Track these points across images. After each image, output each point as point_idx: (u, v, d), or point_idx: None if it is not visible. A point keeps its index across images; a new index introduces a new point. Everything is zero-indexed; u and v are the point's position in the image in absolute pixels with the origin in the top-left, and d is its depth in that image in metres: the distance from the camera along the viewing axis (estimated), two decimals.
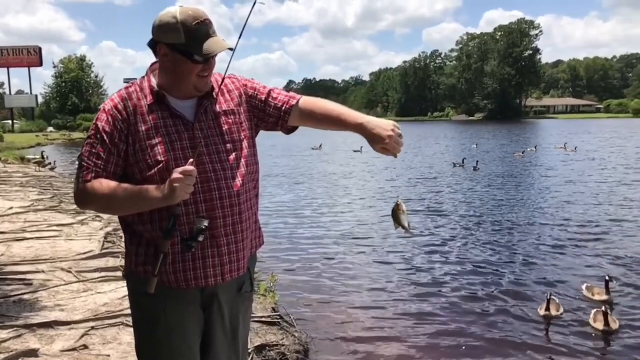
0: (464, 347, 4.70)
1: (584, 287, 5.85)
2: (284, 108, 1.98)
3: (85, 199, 1.84)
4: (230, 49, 1.83)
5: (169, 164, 1.78)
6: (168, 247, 1.78)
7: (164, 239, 1.78)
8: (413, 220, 9.69)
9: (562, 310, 5.32)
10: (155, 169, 1.79)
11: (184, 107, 1.86)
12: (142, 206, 1.80)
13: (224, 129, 1.90)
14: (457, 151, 27.39)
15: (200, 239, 1.76)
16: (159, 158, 1.79)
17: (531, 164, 20.83)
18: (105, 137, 1.80)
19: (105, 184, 1.79)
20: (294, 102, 1.99)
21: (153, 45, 1.84)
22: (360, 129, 1.85)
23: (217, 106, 1.92)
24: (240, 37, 1.93)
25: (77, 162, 1.87)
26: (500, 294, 6.01)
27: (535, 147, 26.26)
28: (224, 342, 1.98)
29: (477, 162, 19.65)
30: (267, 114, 2.00)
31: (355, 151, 26.96)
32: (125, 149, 1.82)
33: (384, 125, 1.82)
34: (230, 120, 1.93)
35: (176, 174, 1.69)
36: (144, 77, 1.91)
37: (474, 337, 4.90)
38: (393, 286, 6.34)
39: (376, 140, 1.81)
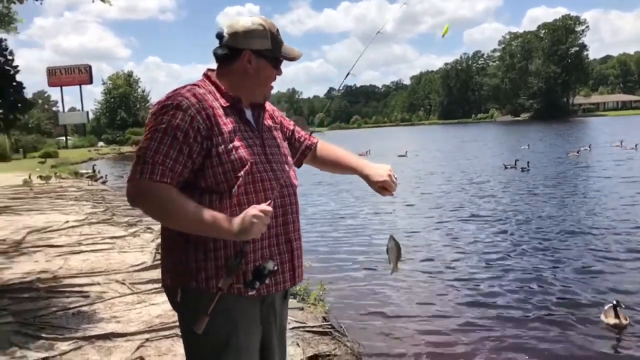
0: None
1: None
2: (306, 143, 2.17)
3: (143, 198, 1.68)
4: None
5: (253, 167, 1.79)
6: (232, 280, 1.73)
7: (226, 276, 1.70)
8: (466, 229, 9.54)
9: (628, 319, 4.97)
10: (242, 172, 1.75)
11: (249, 115, 1.92)
12: (206, 232, 1.69)
13: (279, 141, 1.99)
14: (506, 153, 26.40)
15: (267, 281, 1.77)
16: (245, 158, 1.77)
17: (586, 163, 19.85)
18: (179, 135, 1.68)
19: (174, 193, 1.67)
20: (315, 141, 2.20)
21: (228, 52, 1.84)
22: (361, 173, 2.09)
23: (268, 121, 2.01)
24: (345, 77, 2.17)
25: (136, 155, 1.71)
26: (559, 304, 5.72)
27: (589, 146, 24.94)
28: (278, 352, 2.00)
29: (528, 162, 19.00)
30: (290, 143, 2.14)
31: (399, 156, 26.76)
32: (200, 150, 1.72)
33: (380, 170, 2.05)
34: (279, 136, 2.02)
35: (255, 211, 1.64)
36: (203, 81, 1.89)
37: (536, 351, 4.65)
38: (443, 295, 6.17)
39: (374, 182, 2.05)
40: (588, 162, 20.22)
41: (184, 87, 1.82)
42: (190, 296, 1.79)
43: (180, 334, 3.98)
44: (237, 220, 1.64)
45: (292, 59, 1.91)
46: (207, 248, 1.75)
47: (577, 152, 22.83)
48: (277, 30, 1.88)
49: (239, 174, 1.75)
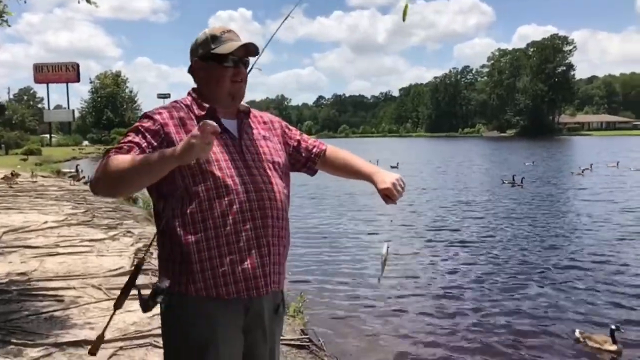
0: None
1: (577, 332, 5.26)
2: (314, 150, 2.19)
3: (101, 172, 1.73)
4: (252, 45, 1.94)
5: (221, 167, 1.82)
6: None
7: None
8: (457, 245, 9.53)
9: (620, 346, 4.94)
10: (209, 171, 1.80)
11: (229, 124, 1.94)
12: (156, 168, 1.69)
13: (265, 149, 1.99)
14: (511, 169, 25.13)
15: (159, 299, 1.73)
16: (213, 159, 1.82)
17: (594, 183, 19.44)
18: (143, 130, 1.82)
19: (122, 155, 1.73)
20: (323, 147, 2.21)
21: (189, 69, 2.00)
22: (369, 178, 2.09)
23: (256, 130, 2.04)
24: (267, 44, 2.17)
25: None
26: (550, 328, 5.68)
27: (591, 166, 24.60)
28: None
29: (522, 178, 19.04)
30: (298, 152, 2.17)
31: (392, 167, 26.74)
32: (160, 144, 1.80)
33: (387, 177, 2.05)
34: (270, 145, 2.03)
35: (195, 130, 1.62)
36: (185, 98, 2.00)
37: None
38: (425, 312, 6.12)
39: (378, 188, 2.05)
40: (595, 182, 19.74)
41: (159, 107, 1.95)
42: (174, 300, 1.80)
43: (154, 342, 3.94)
44: (180, 144, 1.67)
45: (228, 51, 1.89)
46: (191, 255, 1.79)
47: (582, 172, 22.70)
48: (225, 31, 1.95)
49: (205, 174, 1.80)
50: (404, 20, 2.31)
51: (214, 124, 1.61)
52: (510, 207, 14.30)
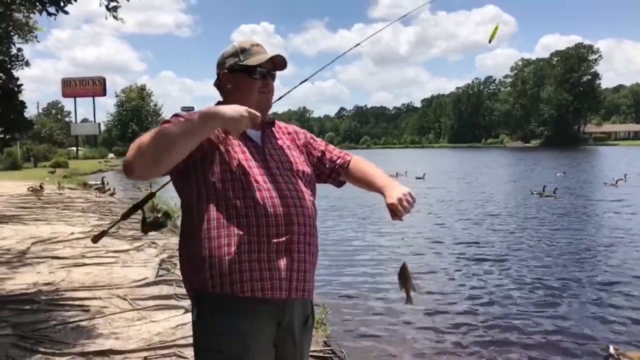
0: None
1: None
2: (339, 162, 2.19)
3: (142, 141, 1.71)
4: (280, 58, 1.99)
5: (247, 172, 1.85)
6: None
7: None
8: (484, 260, 9.33)
9: None
10: (236, 172, 1.84)
11: (253, 134, 1.98)
12: (197, 125, 1.73)
13: (289, 158, 2.01)
14: (542, 179, 24.70)
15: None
16: (240, 164, 1.86)
17: (628, 194, 18.57)
18: (180, 117, 1.85)
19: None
20: (348, 158, 2.21)
21: (215, 80, 2.04)
22: (382, 191, 2.03)
23: (280, 140, 2.06)
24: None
25: None
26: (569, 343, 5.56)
27: (625, 176, 23.80)
28: None
29: (555, 189, 18.61)
30: (322, 163, 2.18)
31: (417, 178, 26.69)
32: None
33: (395, 192, 1.95)
34: (295, 154, 2.05)
35: (244, 108, 1.76)
36: None
37: None
38: (449, 327, 5.98)
39: (388, 201, 1.95)
40: (627, 194, 18.86)
41: None
42: (205, 303, 1.82)
43: (178, 353, 3.96)
44: (226, 108, 1.76)
45: (258, 64, 1.95)
46: (212, 252, 1.80)
47: (616, 183, 22.10)
48: (254, 44, 2.00)
49: (233, 174, 1.83)
50: (490, 42, 2.30)
51: (257, 114, 1.78)
52: (541, 218, 13.95)
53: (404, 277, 2.14)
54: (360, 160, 2.21)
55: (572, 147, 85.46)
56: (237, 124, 1.74)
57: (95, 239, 2.03)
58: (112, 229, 2.03)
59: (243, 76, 1.96)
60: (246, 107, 1.77)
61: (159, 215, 1.88)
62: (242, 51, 1.97)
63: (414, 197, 1.94)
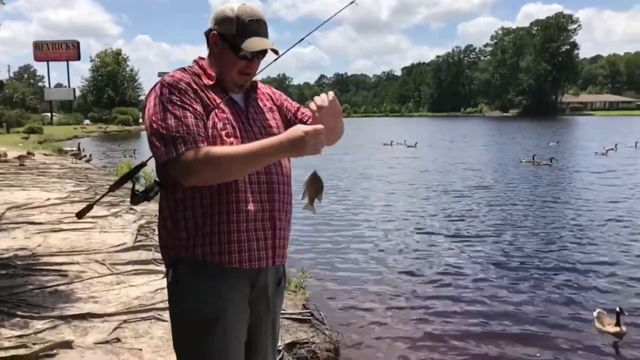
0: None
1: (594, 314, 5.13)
2: (309, 122, 2.02)
3: (198, 168, 1.68)
4: (274, 51, 1.89)
5: (236, 134, 1.83)
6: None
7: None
8: (470, 229, 9.42)
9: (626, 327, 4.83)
10: (224, 134, 1.80)
11: (236, 97, 1.94)
12: (264, 160, 1.75)
13: (271, 122, 1.99)
14: (535, 149, 23.77)
15: (152, 194, 1.81)
16: (228, 124, 1.83)
17: (621, 164, 18.58)
18: (177, 99, 1.75)
19: (218, 146, 1.73)
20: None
21: (206, 32, 1.93)
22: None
23: (262, 103, 2.03)
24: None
25: (155, 140, 1.73)
26: (552, 313, 5.52)
27: (616, 146, 23.75)
28: (268, 338, 2.01)
29: (552, 158, 18.59)
30: (291, 123, 2.05)
31: (409, 146, 26.81)
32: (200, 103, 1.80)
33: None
34: (276, 117, 2.03)
35: (308, 128, 1.65)
36: (191, 66, 1.94)
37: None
38: (429, 293, 6.07)
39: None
40: (622, 163, 18.99)
41: (171, 72, 1.89)
42: (184, 267, 1.83)
43: (157, 316, 3.99)
44: (287, 137, 1.68)
45: (245, 49, 1.83)
46: (190, 220, 1.81)
47: (606, 153, 22.21)
48: (253, 20, 1.84)
49: (216, 140, 1.78)
50: None
51: (321, 127, 1.66)
52: (533, 188, 13.87)
53: (317, 186, 1.93)
54: None
55: (550, 116, 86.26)
56: (305, 147, 1.67)
57: (80, 214, 1.96)
58: (94, 200, 1.98)
59: (229, 51, 1.86)
60: (303, 127, 1.67)
61: (149, 186, 1.84)
62: (239, 24, 1.83)
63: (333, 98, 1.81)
